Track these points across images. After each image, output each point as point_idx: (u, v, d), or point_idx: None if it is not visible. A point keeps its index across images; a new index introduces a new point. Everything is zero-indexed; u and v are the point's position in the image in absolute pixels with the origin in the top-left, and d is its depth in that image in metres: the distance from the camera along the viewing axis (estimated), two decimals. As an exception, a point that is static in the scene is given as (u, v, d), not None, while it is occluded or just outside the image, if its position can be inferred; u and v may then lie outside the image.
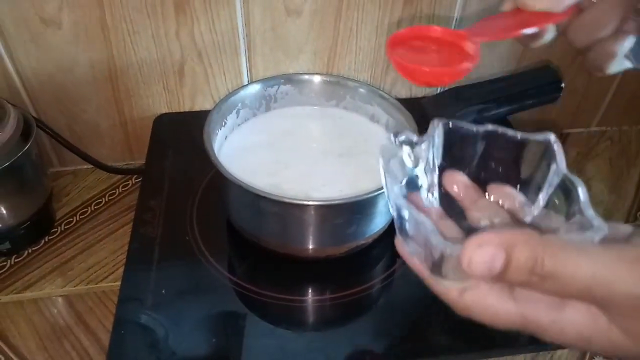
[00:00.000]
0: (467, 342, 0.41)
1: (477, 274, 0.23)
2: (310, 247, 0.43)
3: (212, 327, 0.41)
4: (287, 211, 0.41)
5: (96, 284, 0.50)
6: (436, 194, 0.34)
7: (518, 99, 0.45)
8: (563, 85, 0.46)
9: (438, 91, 0.66)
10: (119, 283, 0.45)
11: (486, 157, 0.33)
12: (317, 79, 0.52)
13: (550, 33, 0.33)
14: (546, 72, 0.47)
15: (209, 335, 0.40)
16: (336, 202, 0.40)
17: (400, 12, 0.58)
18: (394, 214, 0.29)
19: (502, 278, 0.23)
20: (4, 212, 0.49)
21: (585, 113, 0.72)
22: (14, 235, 0.51)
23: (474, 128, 0.32)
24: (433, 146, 0.33)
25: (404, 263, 0.46)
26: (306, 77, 0.52)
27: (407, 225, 0.28)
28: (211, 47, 0.57)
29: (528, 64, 0.65)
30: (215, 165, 0.41)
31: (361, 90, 0.51)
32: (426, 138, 0.32)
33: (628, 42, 0.30)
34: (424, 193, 0.34)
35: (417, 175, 0.33)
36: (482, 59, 0.66)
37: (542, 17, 0.31)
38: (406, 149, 0.32)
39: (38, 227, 0.54)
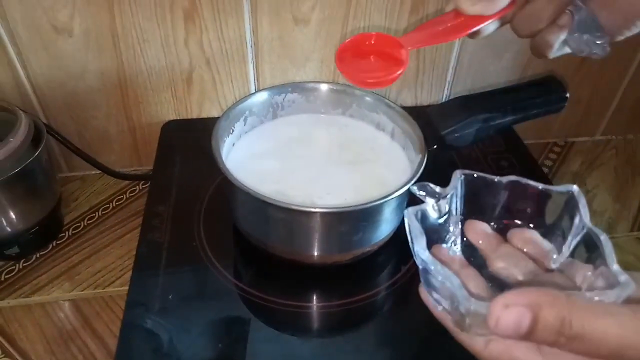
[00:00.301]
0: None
1: (505, 334, 0.23)
2: (316, 253, 0.44)
3: (218, 333, 0.41)
4: (293, 218, 0.42)
5: (103, 288, 0.50)
6: (459, 243, 0.35)
7: (523, 109, 0.46)
8: (568, 95, 0.46)
9: (443, 100, 0.67)
10: (126, 288, 0.45)
11: (508, 207, 0.34)
12: (323, 87, 0.52)
13: (491, 26, 0.35)
14: (551, 82, 0.47)
15: (215, 341, 0.41)
16: (342, 209, 0.40)
17: (406, 21, 0.58)
18: (420, 266, 0.29)
19: (529, 338, 0.23)
20: (14, 216, 0.50)
21: (589, 122, 0.72)
22: (23, 239, 0.52)
23: (496, 179, 0.33)
24: (456, 197, 0.34)
25: (409, 270, 0.47)
26: (313, 85, 0.53)
27: (433, 279, 0.28)
28: (219, 55, 0.58)
29: (533, 74, 0.65)
30: (223, 171, 0.41)
31: (367, 98, 0.52)
32: (450, 190, 0.33)
33: (562, 35, 0.33)
34: (447, 243, 0.34)
35: (440, 226, 0.34)
36: (488, 69, 0.67)
37: (476, 19, 0.34)
38: (430, 201, 0.33)
39: (46, 232, 0.54)
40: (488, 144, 0.62)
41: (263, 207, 0.41)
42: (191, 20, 0.54)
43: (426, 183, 0.33)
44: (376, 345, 0.42)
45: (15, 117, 0.49)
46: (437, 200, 0.33)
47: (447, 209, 0.34)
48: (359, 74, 0.37)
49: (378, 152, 0.50)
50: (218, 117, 0.47)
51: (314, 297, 0.46)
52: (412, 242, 0.29)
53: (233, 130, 0.49)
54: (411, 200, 0.45)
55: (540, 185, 0.32)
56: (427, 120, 0.46)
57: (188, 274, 0.46)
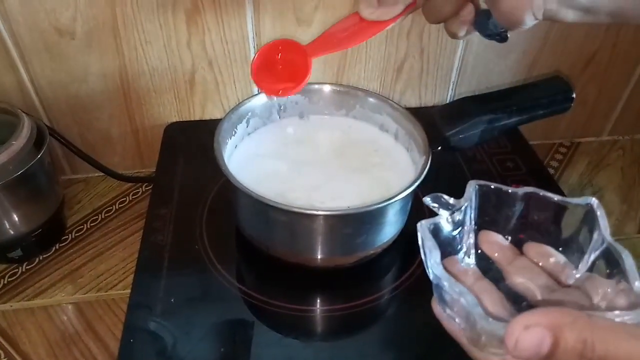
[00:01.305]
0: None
1: (524, 355, 0.22)
2: (319, 256, 0.43)
3: (221, 336, 0.41)
4: (296, 220, 0.41)
5: (106, 291, 0.50)
6: (473, 255, 0.34)
7: (528, 110, 0.45)
8: (574, 95, 0.45)
9: (448, 101, 0.66)
10: (128, 291, 0.45)
11: (524, 219, 0.33)
12: (327, 88, 0.52)
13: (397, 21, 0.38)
14: (556, 83, 0.47)
15: (217, 344, 0.40)
16: (345, 212, 0.40)
17: (410, 22, 0.58)
18: (433, 282, 0.28)
19: None
20: (17, 219, 0.50)
21: (596, 122, 0.72)
22: (26, 242, 0.52)
23: (511, 190, 0.32)
24: (470, 208, 0.33)
25: (413, 273, 0.46)
26: (316, 86, 0.52)
27: (446, 295, 0.28)
28: (222, 56, 0.57)
29: (538, 75, 0.65)
30: (225, 174, 0.41)
31: (371, 99, 0.51)
32: (464, 201, 0.32)
33: (464, 26, 0.36)
34: (460, 255, 0.33)
35: (453, 238, 0.33)
36: (493, 69, 0.67)
37: (377, 24, 0.37)
38: (444, 213, 0.32)
39: (49, 235, 0.54)
40: (493, 145, 0.61)
41: (265, 209, 0.40)
42: (194, 22, 0.54)
43: (440, 194, 0.32)
44: (380, 349, 0.41)
45: (18, 119, 0.49)
46: (452, 213, 0.32)
47: (461, 221, 0.33)
48: (270, 85, 0.41)
49: (382, 154, 0.50)
50: (221, 119, 0.46)
51: (318, 301, 0.45)
52: (425, 257, 0.29)
53: (235, 132, 0.49)
54: (415, 202, 0.45)
55: (558, 197, 0.31)
56: (431, 122, 0.45)
57: (190, 276, 0.46)
